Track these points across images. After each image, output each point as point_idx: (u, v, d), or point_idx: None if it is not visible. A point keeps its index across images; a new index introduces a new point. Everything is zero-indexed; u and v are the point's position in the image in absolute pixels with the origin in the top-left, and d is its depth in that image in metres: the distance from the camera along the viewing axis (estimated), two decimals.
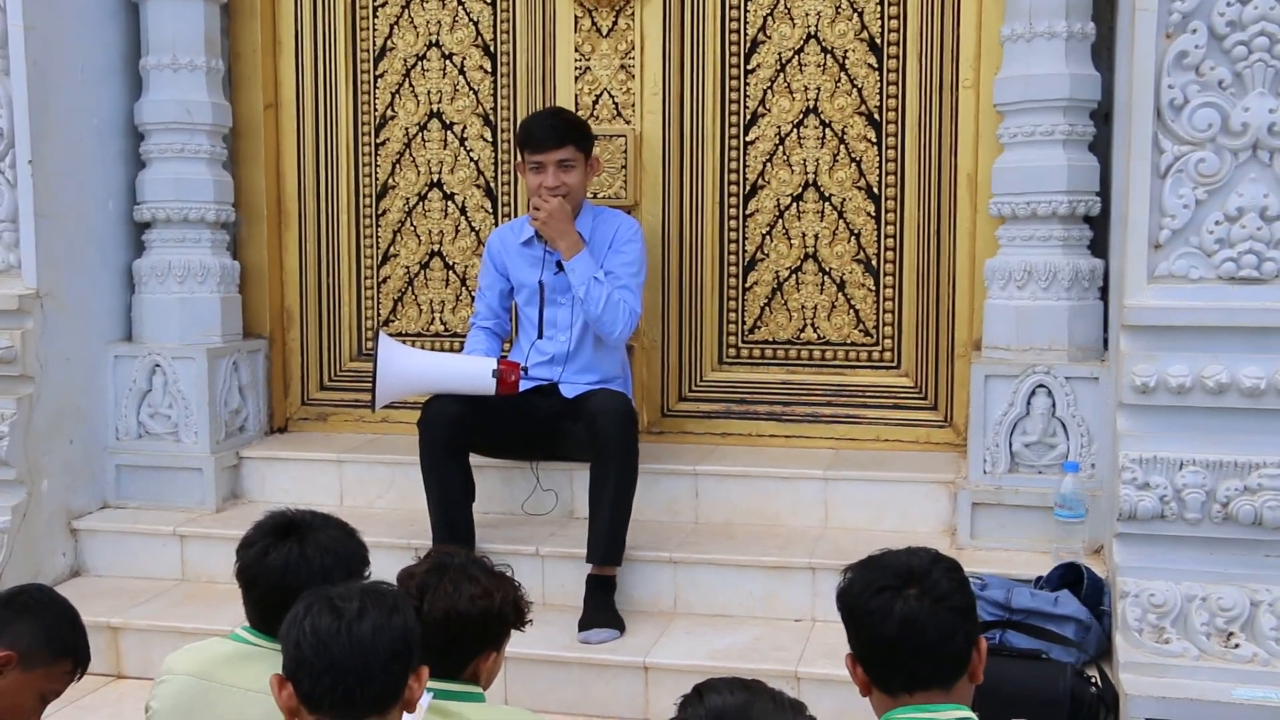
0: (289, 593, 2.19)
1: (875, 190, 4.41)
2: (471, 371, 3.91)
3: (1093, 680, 3.18)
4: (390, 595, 1.98)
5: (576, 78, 4.57)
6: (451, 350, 4.64)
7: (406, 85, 4.79)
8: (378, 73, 4.81)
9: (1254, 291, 3.25)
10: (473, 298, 4.47)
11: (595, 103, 4.56)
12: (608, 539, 3.79)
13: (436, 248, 4.82)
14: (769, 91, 4.47)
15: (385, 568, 4.07)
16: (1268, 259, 3.22)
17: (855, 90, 4.40)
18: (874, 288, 4.45)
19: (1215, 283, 3.27)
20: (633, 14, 4.50)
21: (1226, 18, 3.19)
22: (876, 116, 4.39)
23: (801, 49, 4.43)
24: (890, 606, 2.03)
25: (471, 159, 4.76)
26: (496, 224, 4.65)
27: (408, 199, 4.83)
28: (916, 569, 2.07)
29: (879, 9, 4.35)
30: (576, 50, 4.57)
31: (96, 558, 4.42)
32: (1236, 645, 3.17)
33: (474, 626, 2.32)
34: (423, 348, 4.63)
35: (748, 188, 4.52)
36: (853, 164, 4.42)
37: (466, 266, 4.77)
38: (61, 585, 4.16)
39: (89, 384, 4.49)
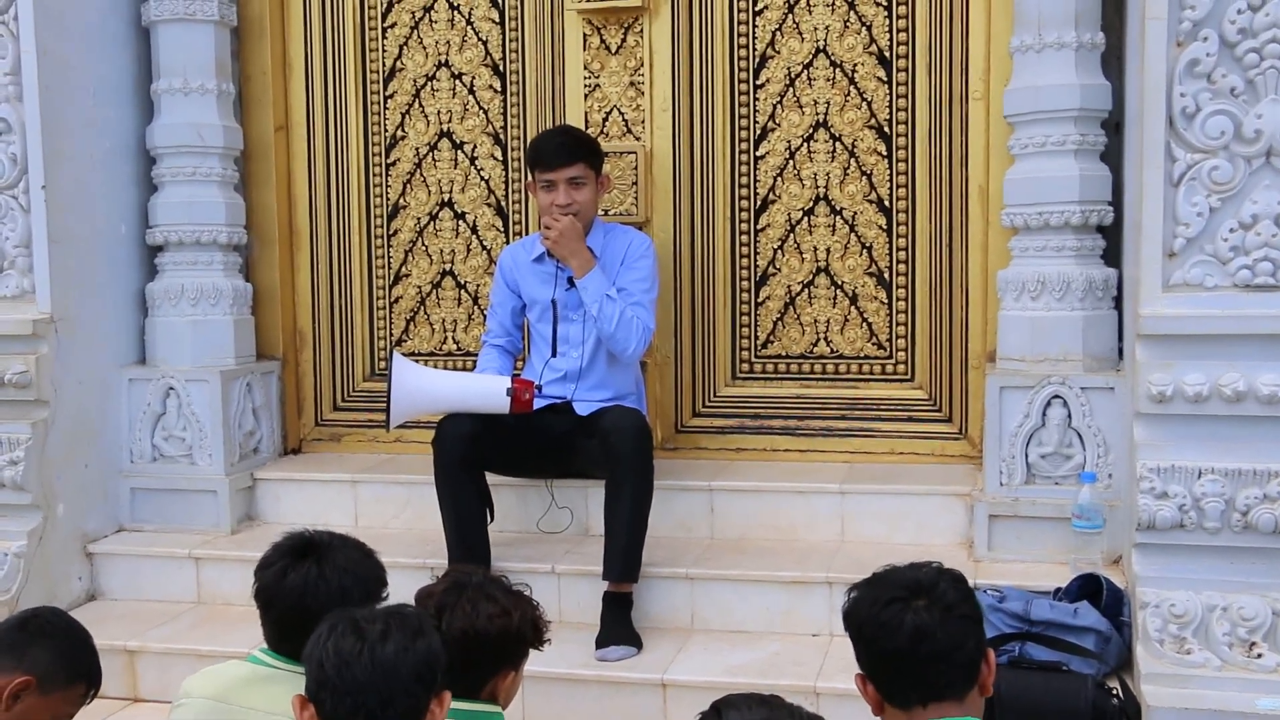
0: (307, 614, 2.19)
1: (886, 203, 4.41)
2: (486, 390, 3.91)
3: (1114, 692, 3.15)
4: (415, 618, 1.98)
5: (586, 95, 4.58)
6: (464, 369, 4.64)
7: (416, 105, 4.80)
8: (387, 93, 4.83)
9: (1270, 299, 3.23)
10: (485, 317, 4.47)
11: (605, 120, 4.57)
12: (624, 556, 3.77)
13: (448, 267, 4.83)
14: (779, 106, 4.47)
15: (402, 588, 4.05)
16: None
17: (865, 104, 4.40)
18: (886, 301, 4.45)
19: (1230, 290, 3.26)
20: (641, 31, 4.51)
21: (1237, 25, 3.18)
22: (886, 130, 4.39)
23: (810, 63, 4.43)
24: (901, 618, 2.04)
25: (482, 178, 4.77)
26: (508, 242, 4.65)
27: (419, 219, 4.84)
28: (924, 581, 2.10)
29: (887, 22, 4.35)
30: (586, 68, 4.58)
31: (112, 581, 4.42)
32: (1259, 655, 3.15)
33: (492, 645, 2.32)
34: (436, 367, 4.63)
35: (759, 202, 4.52)
36: (863, 177, 4.42)
37: (478, 285, 4.78)
38: (77, 609, 4.17)
39: (103, 407, 4.50)
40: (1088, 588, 3.50)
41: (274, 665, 2.40)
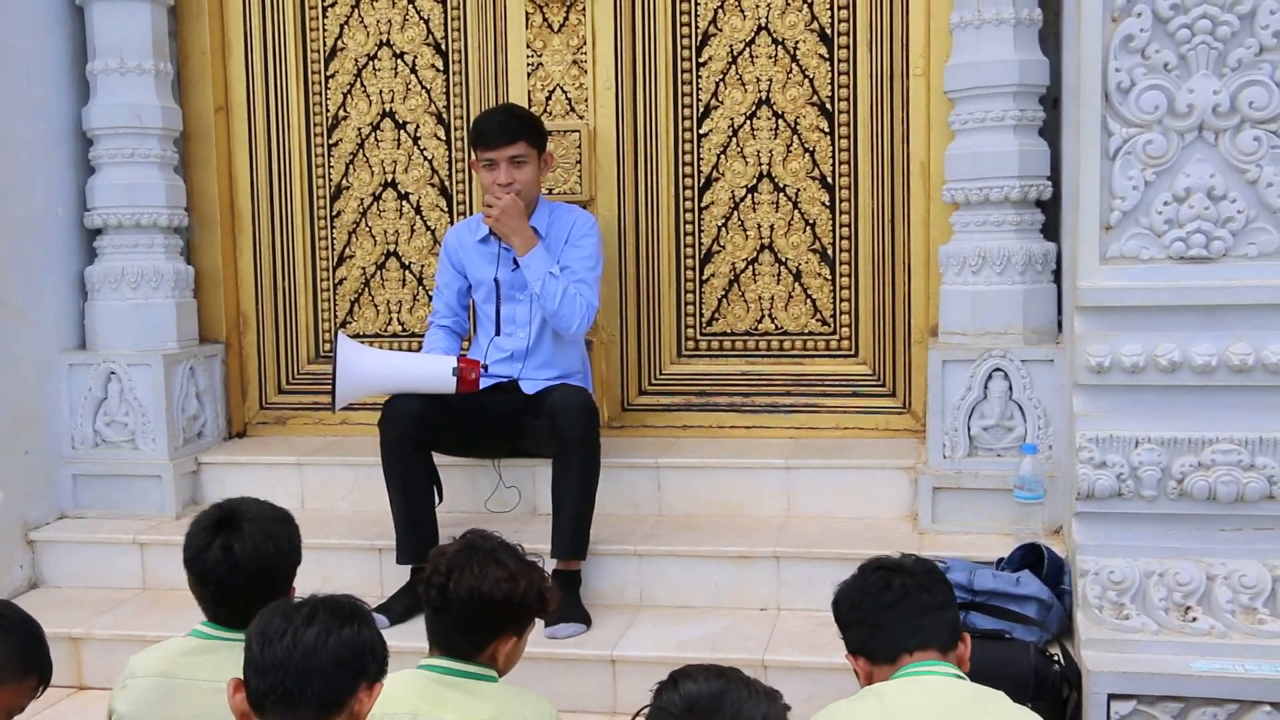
0: (233, 582, 2.38)
1: (829, 180, 4.44)
2: (431, 370, 3.90)
3: (1055, 658, 3.21)
4: (348, 607, 2.02)
5: (529, 74, 4.57)
6: (410, 350, 4.62)
7: (358, 85, 4.77)
8: (329, 73, 4.79)
9: (1203, 270, 3.28)
10: (430, 297, 4.46)
11: (548, 99, 4.56)
12: (572, 534, 3.78)
13: (392, 248, 4.80)
14: (721, 84, 4.48)
15: (350, 570, 4.04)
16: (1216, 238, 3.26)
17: (807, 81, 4.42)
18: (830, 277, 4.48)
19: (1165, 262, 3.31)
20: (584, 9, 4.50)
21: (1170, 1, 3.23)
22: (829, 107, 4.41)
23: (753, 41, 4.45)
24: (889, 580, 2.29)
25: (425, 158, 4.74)
26: (452, 223, 4.63)
27: (362, 199, 4.81)
28: (904, 563, 2.36)
29: None
30: (528, 47, 4.56)
31: (55, 569, 4.37)
32: (1194, 619, 3.22)
33: (496, 609, 2.39)
34: (381, 348, 4.61)
35: (702, 180, 4.53)
36: (806, 154, 4.44)
37: (423, 266, 4.76)
38: (20, 598, 4.12)
39: (43, 393, 4.44)
40: (1029, 557, 3.56)
41: (215, 635, 2.45)
